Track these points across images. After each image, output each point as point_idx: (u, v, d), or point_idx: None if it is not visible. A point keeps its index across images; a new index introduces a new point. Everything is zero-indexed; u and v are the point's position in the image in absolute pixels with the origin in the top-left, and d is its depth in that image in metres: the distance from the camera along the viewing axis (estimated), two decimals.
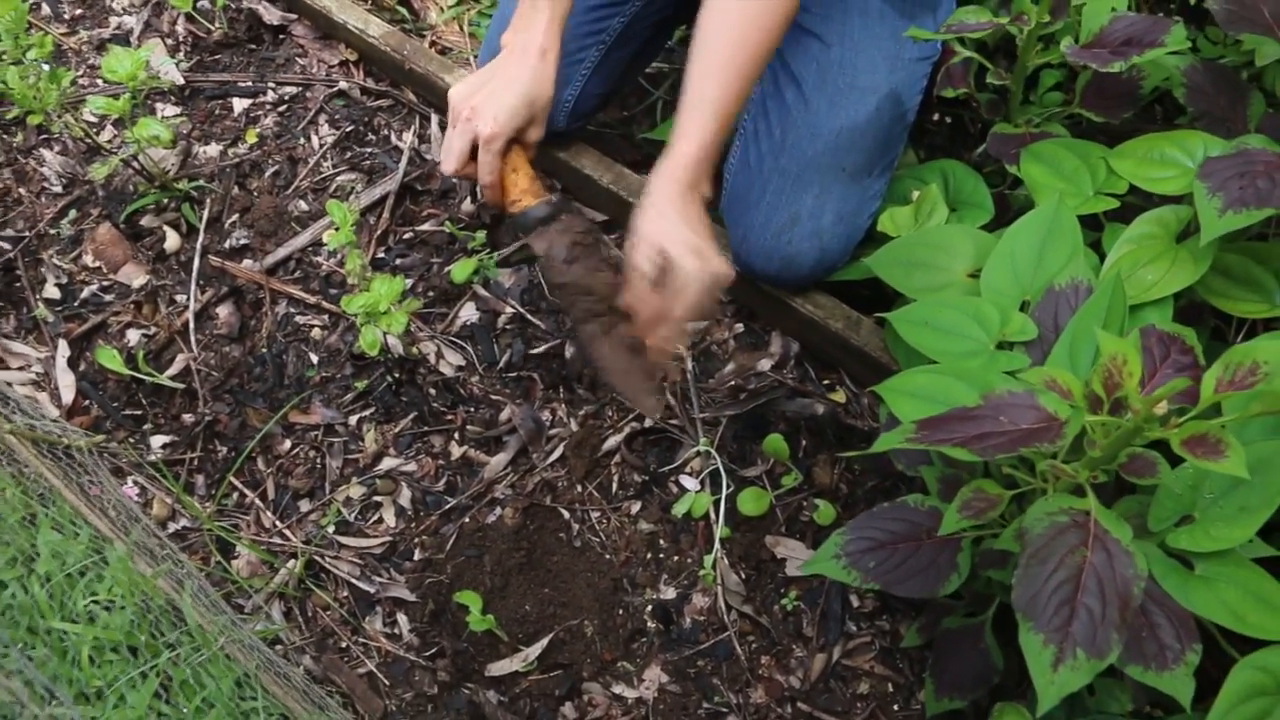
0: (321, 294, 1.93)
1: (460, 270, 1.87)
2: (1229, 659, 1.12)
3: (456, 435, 1.79)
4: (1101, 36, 1.45)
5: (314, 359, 1.87)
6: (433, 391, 1.82)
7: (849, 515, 1.67)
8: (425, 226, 1.99)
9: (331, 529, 1.72)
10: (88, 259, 1.99)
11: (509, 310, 1.89)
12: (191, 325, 1.91)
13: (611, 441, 1.75)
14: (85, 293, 1.96)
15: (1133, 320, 1.29)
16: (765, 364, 1.80)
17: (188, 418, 1.83)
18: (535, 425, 1.76)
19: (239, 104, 2.17)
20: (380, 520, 1.73)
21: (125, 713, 1.42)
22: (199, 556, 1.70)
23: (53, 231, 2.03)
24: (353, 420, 1.81)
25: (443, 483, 1.75)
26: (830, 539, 1.32)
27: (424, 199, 2.03)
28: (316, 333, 1.90)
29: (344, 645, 1.64)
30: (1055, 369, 1.07)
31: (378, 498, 1.75)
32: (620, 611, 1.63)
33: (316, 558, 1.70)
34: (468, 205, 1.99)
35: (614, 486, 1.73)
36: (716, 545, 1.64)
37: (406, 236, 1.99)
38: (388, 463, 1.77)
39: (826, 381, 1.79)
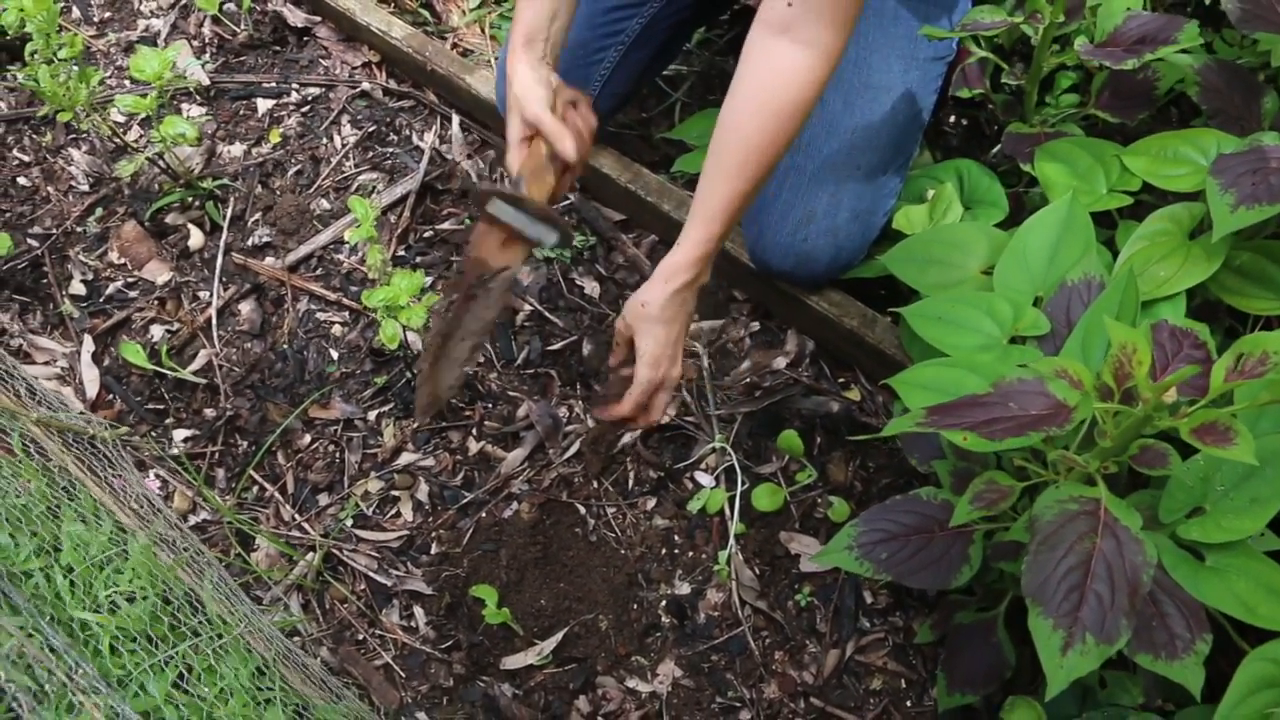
0: (342, 291, 1.95)
1: None
2: (1239, 651, 1.13)
3: (474, 431, 1.81)
4: (1115, 35, 1.46)
5: (334, 355, 1.90)
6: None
7: (863, 512, 1.67)
8: (445, 225, 2.01)
9: (350, 522, 1.74)
10: (113, 256, 2.02)
11: (527, 308, 1.90)
12: (214, 321, 1.93)
13: (627, 438, 1.76)
14: (110, 289, 1.99)
15: (1146, 316, 1.29)
16: (781, 361, 1.81)
17: (209, 412, 1.86)
18: (552, 421, 1.78)
19: (263, 104, 2.20)
20: (398, 514, 1.75)
21: (145, 701, 1.43)
22: (219, 549, 1.73)
23: (79, 229, 2.06)
24: (372, 415, 1.83)
25: (460, 478, 1.77)
26: (843, 530, 1.33)
27: (444, 198, 2.05)
28: (337, 329, 1.92)
29: (361, 637, 1.65)
30: (1065, 358, 1.08)
31: (396, 492, 1.77)
32: (635, 606, 1.64)
33: (335, 550, 1.71)
34: None
35: (630, 482, 1.74)
36: (731, 541, 1.65)
37: (427, 235, 2.01)
38: (406, 458, 1.79)
39: (842, 379, 1.80)
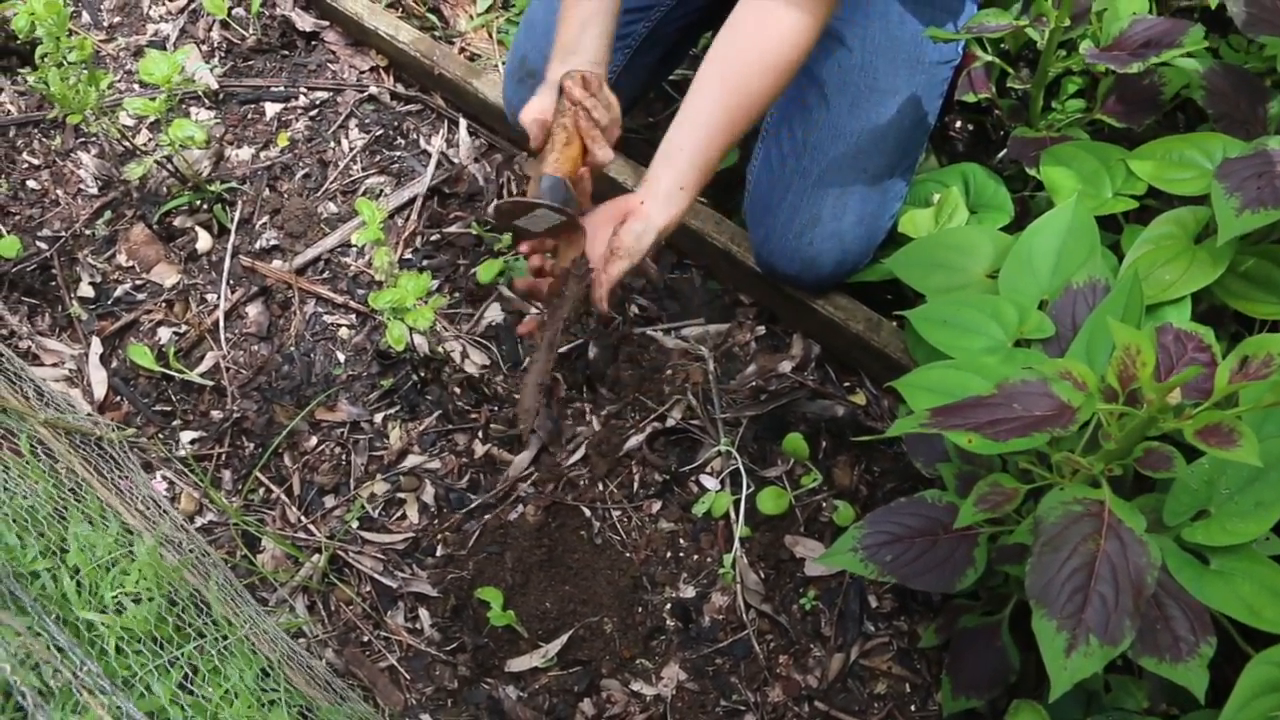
0: (349, 294, 1.96)
1: (486, 271, 1.89)
2: (1244, 655, 1.12)
3: (480, 434, 1.81)
4: (1121, 39, 1.46)
5: (341, 357, 1.90)
6: (457, 390, 1.84)
7: (868, 514, 1.67)
8: (452, 229, 2.02)
9: (355, 524, 1.74)
10: (121, 259, 2.03)
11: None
12: (221, 324, 1.94)
13: (633, 441, 1.76)
14: (118, 291, 2.00)
15: (1151, 320, 1.29)
16: (786, 365, 1.81)
17: (216, 414, 1.86)
18: (553, 426, 1.78)
19: (271, 108, 2.21)
20: (404, 516, 1.75)
21: (150, 701, 1.44)
22: (225, 550, 1.73)
23: (88, 232, 2.07)
24: (378, 418, 1.84)
25: (466, 480, 1.77)
26: (848, 532, 1.33)
27: (451, 202, 2.06)
28: (344, 332, 1.93)
29: (366, 639, 1.66)
30: (1069, 360, 1.08)
31: (401, 494, 1.77)
32: (640, 609, 1.64)
33: (340, 552, 1.72)
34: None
35: (635, 485, 1.74)
36: (736, 544, 1.65)
37: (434, 238, 2.01)
38: (412, 460, 1.80)
39: (847, 383, 1.80)
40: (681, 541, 1.69)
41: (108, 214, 2.09)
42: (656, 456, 1.76)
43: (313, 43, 2.32)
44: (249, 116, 2.20)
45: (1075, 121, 1.66)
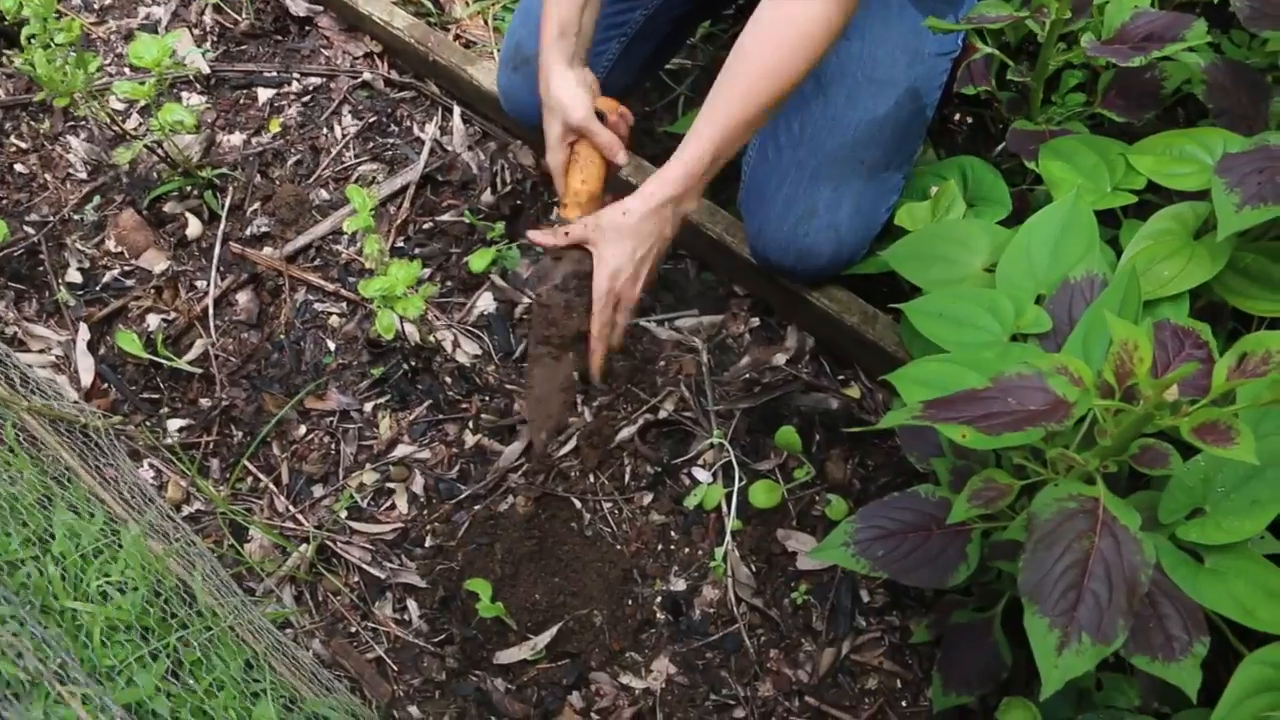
0: (340, 282, 1.94)
1: (478, 260, 1.88)
2: (1237, 655, 1.11)
3: (471, 424, 1.80)
4: (1123, 32, 1.45)
5: (331, 346, 1.89)
6: (448, 380, 1.83)
7: (860, 508, 1.66)
8: (445, 217, 2.00)
9: (344, 514, 1.73)
10: (110, 244, 2.01)
11: (526, 300, 1.89)
12: (211, 311, 1.92)
13: (625, 432, 1.75)
14: (107, 277, 1.98)
15: (1148, 315, 1.28)
16: (780, 358, 1.80)
17: (204, 402, 1.85)
18: (545, 432, 1.75)
19: (264, 94, 2.19)
20: (393, 507, 1.74)
21: (135, 692, 1.42)
22: (212, 539, 1.72)
23: (77, 217, 2.06)
24: (368, 407, 1.82)
25: (456, 470, 1.76)
26: (839, 526, 1.31)
27: (444, 190, 2.04)
28: (334, 320, 1.91)
29: (353, 630, 1.64)
30: (1066, 355, 1.07)
31: (391, 484, 1.75)
32: (630, 602, 1.63)
33: (328, 543, 1.70)
34: (487, 196, 2.00)
35: (626, 477, 1.73)
36: (727, 538, 1.64)
37: (426, 226, 2.00)
38: (401, 450, 1.78)
39: (841, 377, 1.79)
40: (673, 534, 1.68)
41: (97, 199, 2.07)
42: (648, 448, 1.74)
43: (306, 28, 2.29)
44: (241, 102, 2.18)
45: (1075, 115, 1.65)
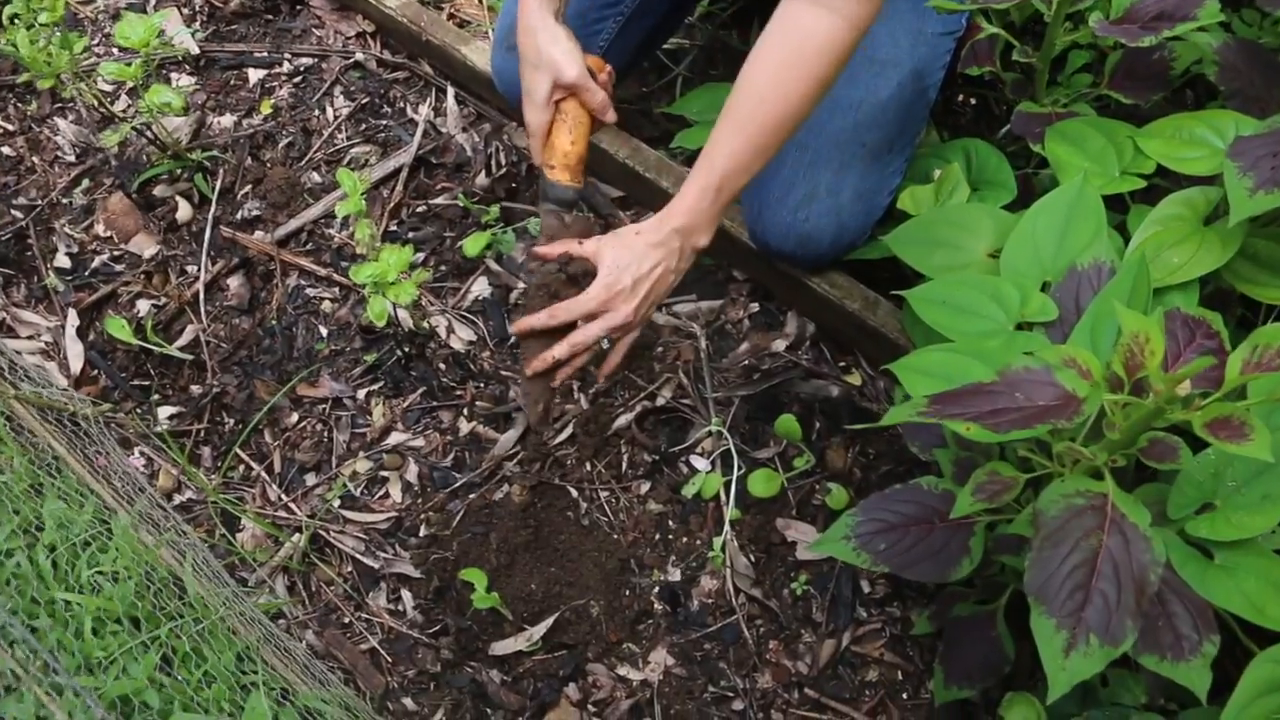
0: (333, 266, 1.91)
1: (473, 244, 1.85)
2: (1247, 652, 1.09)
3: (466, 411, 1.77)
4: (1132, 11, 1.41)
5: (324, 332, 1.86)
6: (443, 366, 1.80)
7: (861, 499, 1.63)
8: (439, 200, 1.97)
9: (337, 503, 1.71)
10: (99, 228, 1.98)
11: (522, 285, 1.86)
12: (201, 296, 1.89)
13: (622, 420, 1.72)
14: (96, 262, 1.95)
15: (1157, 303, 1.25)
16: (780, 344, 1.77)
17: (195, 389, 1.82)
18: (541, 409, 1.72)
19: (254, 74, 2.15)
20: (386, 495, 1.72)
21: (126, 684, 1.40)
22: (204, 529, 1.69)
23: (65, 200, 2.02)
24: (361, 394, 1.79)
25: (450, 458, 1.73)
26: (840, 519, 1.29)
27: (438, 172, 2.01)
28: (327, 305, 1.88)
29: (347, 621, 1.62)
30: (1074, 347, 1.04)
31: (384, 473, 1.73)
32: (627, 592, 1.61)
33: (321, 532, 1.68)
34: (482, 179, 1.97)
35: (624, 465, 1.70)
36: (726, 527, 1.62)
37: (420, 210, 1.96)
38: (395, 437, 1.75)
39: (842, 363, 1.76)
40: (670, 523, 1.66)
41: (85, 182, 2.04)
42: (646, 436, 1.71)
43: (297, 7, 2.25)
44: (231, 83, 2.15)
45: (1081, 96, 1.61)
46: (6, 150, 2.08)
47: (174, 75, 2.15)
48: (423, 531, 1.68)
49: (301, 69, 2.15)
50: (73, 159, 2.07)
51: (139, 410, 1.80)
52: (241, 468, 1.76)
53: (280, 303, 1.89)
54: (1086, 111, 1.56)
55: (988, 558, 1.26)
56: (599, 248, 1.38)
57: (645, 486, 1.68)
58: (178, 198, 1.99)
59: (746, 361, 1.76)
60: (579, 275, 1.40)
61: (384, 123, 2.07)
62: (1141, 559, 0.96)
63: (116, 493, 1.63)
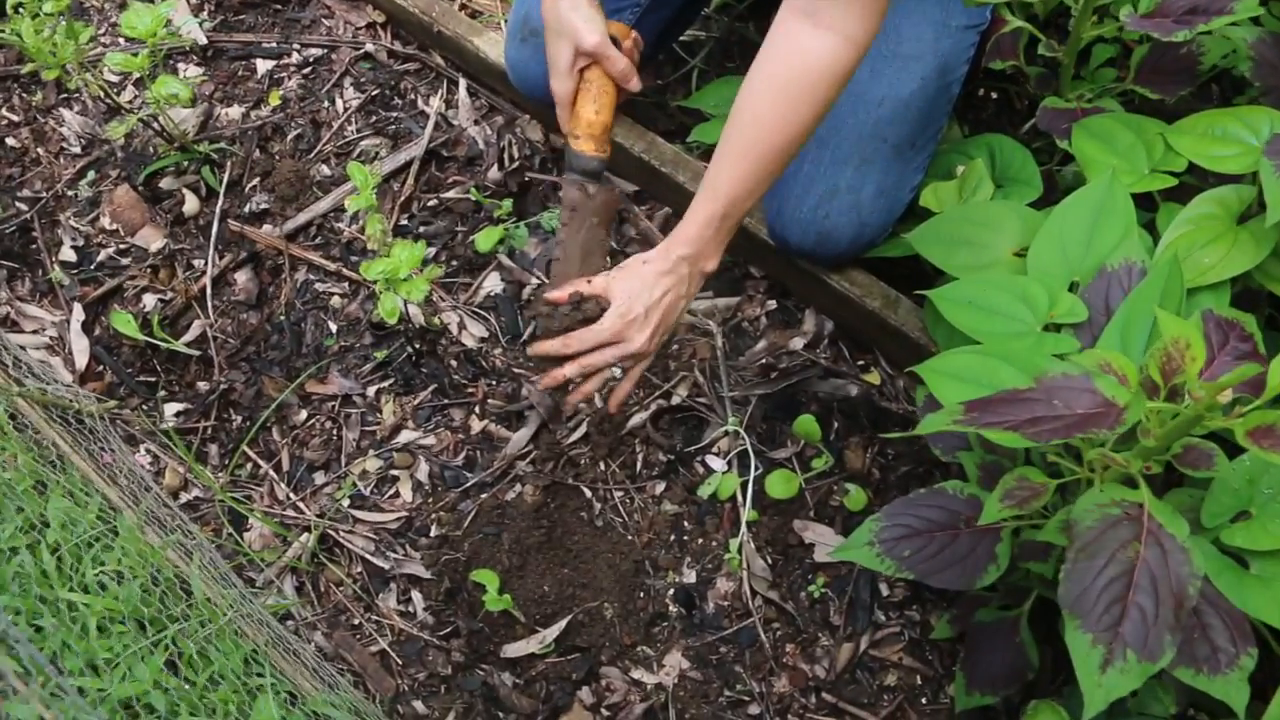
0: (342, 261, 1.88)
1: (485, 239, 1.82)
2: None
3: (477, 409, 1.74)
4: (1164, 5, 1.38)
5: (333, 328, 1.83)
6: (454, 363, 1.77)
7: (880, 501, 1.61)
8: (450, 194, 1.94)
9: (346, 502, 1.68)
10: (105, 221, 1.95)
11: (534, 281, 1.83)
12: (209, 291, 1.87)
13: (637, 419, 1.69)
14: (102, 255, 1.93)
15: (1188, 305, 1.22)
16: (798, 342, 1.74)
17: (202, 385, 1.80)
18: (553, 403, 1.70)
19: (263, 65, 2.12)
20: (397, 495, 1.69)
21: (133, 685, 1.38)
22: (211, 528, 1.67)
23: (70, 193, 1.99)
24: (371, 391, 1.77)
25: (462, 457, 1.71)
26: (864, 525, 1.26)
27: (450, 165, 1.98)
28: (336, 301, 1.85)
29: (356, 622, 1.60)
30: (1109, 351, 1.01)
31: (395, 471, 1.70)
32: (641, 594, 1.58)
33: (330, 532, 1.66)
34: (494, 173, 1.94)
35: (638, 465, 1.67)
36: (743, 528, 1.59)
37: (431, 204, 1.93)
38: (406, 436, 1.73)
39: (861, 362, 1.73)
40: (686, 524, 1.63)
41: (91, 174, 2.01)
42: (661, 435, 1.69)
43: None
44: (239, 74, 2.12)
45: (1106, 91, 1.58)
46: (11, 141, 2.06)
47: (181, 66, 2.12)
48: (434, 531, 1.65)
49: (311, 60, 2.12)
50: (78, 150, 2.04)
51: (145, 407, 1.78)
52: (249, 466, 1.73)
53: (289, 298, 1.86)
54: (1113, 107, 1.53)
55: (1013, 563, 1.23)
56: (608, 282, 1.37)
57: (660, 487, 1.66)
58: (185, 190, 1.96)
59: (764, 360, 1.73)
60: (593, 315, 1.37)
61: (395, 115, 2.04)
62: (1180, 571, 0.93)
63: (122, 491, 1.61)
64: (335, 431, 1.74)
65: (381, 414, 1.75)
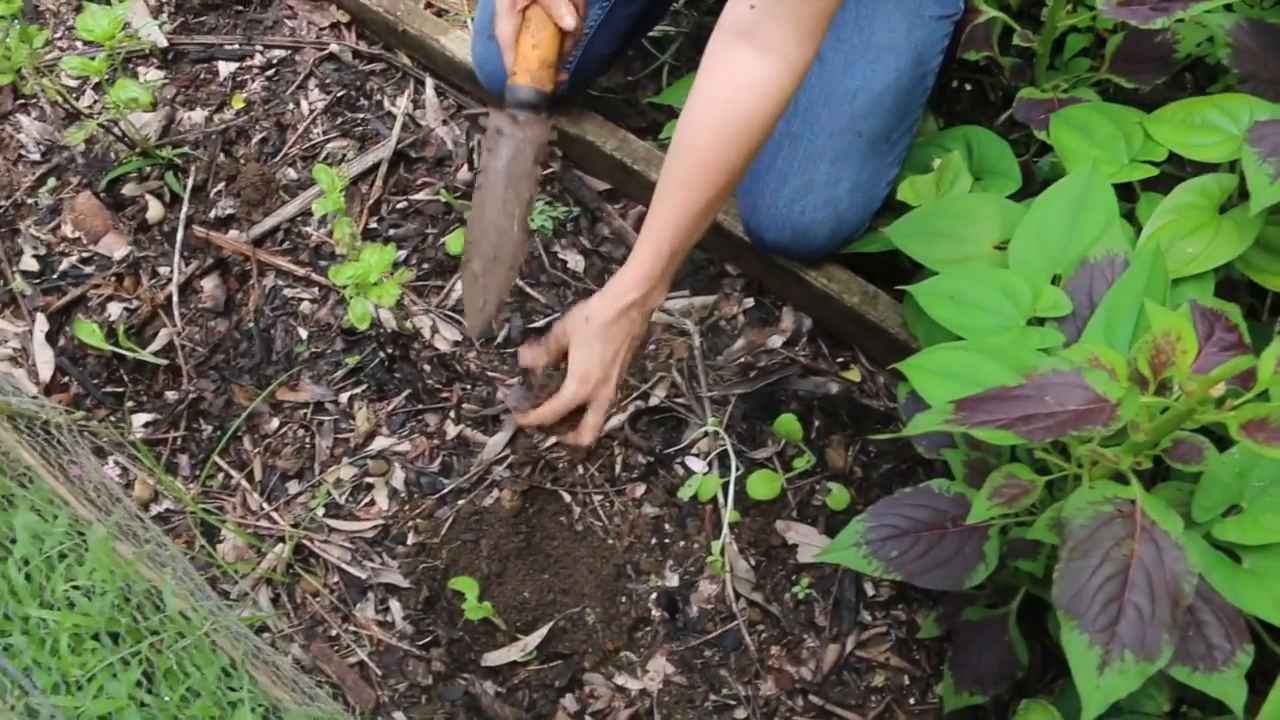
0: (311, 266, 1.85)
1: (456, 241, 1.79)
2: (1275, 660, 1.06)
3: (452, 414, 1.71)
4: None
5: (303, 334, 1.80)
6: (427, 368, 1.74)
7: (863, 499, 1.59)
8: (420, 195, 1.91)
9: (321, 511, 1.65)
10: (67, 229, 1.91)
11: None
12: (175, 298, 1.83)
13: (614, 421, 1.67)
14: (64, 264, 1.89)
15: (1171, 295, 1.21)
16: (776, 340, 1.72)
17: (171, 395, 1.76)
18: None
19: (225, 67, 2.08)
20: (372, 503, 1.66)
21: (106, 703, 1.35)
22: (183, 540, 1.63)
23: (30, 201, 1.95)
24: (343, 398, 1.74)
25: (438, 463, 1.68)
26: (850, 526, 1.24)
27: (418, 167, 1.95)
28: (306, 306, 1.82)
29: (334, 633, 1.57)
30: (1098, 345, 0.99)
31: (369, 479, 1.67)
32: (623, 599, 1.56)
33: (305, 541, 1.63)
34: (464, 173, 1.91)
35: (617, 468, 1.65)
36: (725, 530, 1.57)
37: (400, 206, 1.90)
38: (380, 442, 1.70)
39: (841, 359, 1.71)
40: (667, 527, 1.61)
41: (51, 181, 1.96)
42: (639, 437, 1.67)
43: None
44: (201, 77, 2.07)
45: (1081, 81, 1.57)
46: None
47: (141, 69, 2.08)
48: (410, 539, 1.63)
49: (274, 61, 2.08)
50: (37, 157, 2.00)
51: (112, 418, 1.74)
52: (221, 476, 1.70)
53: (257, 304, 1.82)
54: (1090, 97, 1.52)
55: (1001, 562, 1.21)
56: (565, 341, 1.38)
57: (640, 489, 1.63)
58: (148, 196, 1.92)
59: (742, 359, 1.71)
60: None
61: (361, 116, 2.00)
62: (1175, 568, 0.92)
63: (92, 504, 1.57)
64: (308, 440, 1.71)
65: (355, 421, 1.72)
